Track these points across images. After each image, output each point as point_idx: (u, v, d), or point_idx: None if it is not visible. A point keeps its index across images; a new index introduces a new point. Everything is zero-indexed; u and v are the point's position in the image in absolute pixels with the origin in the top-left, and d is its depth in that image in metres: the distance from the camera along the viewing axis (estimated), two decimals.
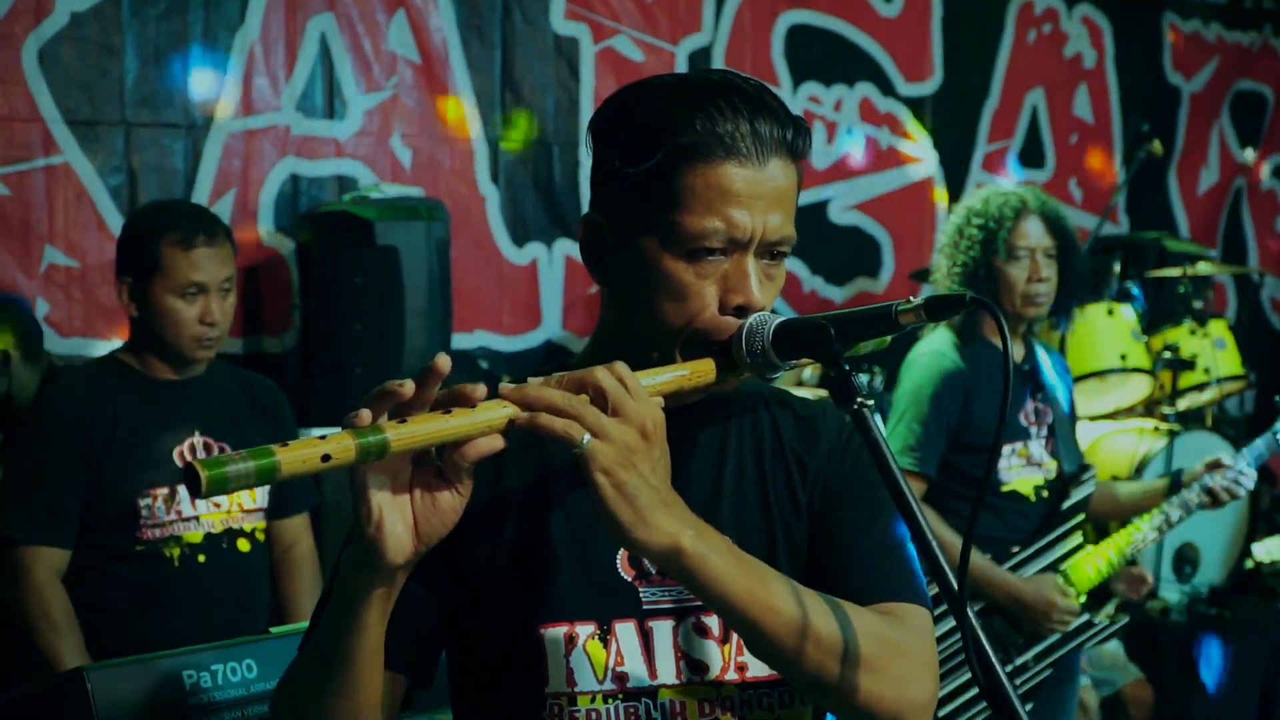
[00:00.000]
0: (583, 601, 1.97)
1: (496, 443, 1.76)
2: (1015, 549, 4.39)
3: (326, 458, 1.63)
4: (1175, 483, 4.61)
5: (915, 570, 1.98)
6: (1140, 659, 6.11)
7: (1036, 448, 4.48)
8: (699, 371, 1.91)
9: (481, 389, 1.75)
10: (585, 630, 1.97)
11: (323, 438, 1.65)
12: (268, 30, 6.08)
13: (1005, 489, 4.42)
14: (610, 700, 1.96)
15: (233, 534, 4.07)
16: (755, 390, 2.11)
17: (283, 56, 6.13)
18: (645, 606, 1.98)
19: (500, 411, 1.74)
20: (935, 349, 4.48)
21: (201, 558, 4.01)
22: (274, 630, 3.03)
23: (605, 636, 1.97)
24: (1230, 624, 6.32)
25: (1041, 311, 4.47)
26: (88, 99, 5.72)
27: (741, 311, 1.92)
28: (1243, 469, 4.56)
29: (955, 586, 1.70)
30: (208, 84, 5.98)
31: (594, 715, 1.96)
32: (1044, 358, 4.60)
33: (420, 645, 2.00)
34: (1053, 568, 4.40)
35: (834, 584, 1.93)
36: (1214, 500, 4.55)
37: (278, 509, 4.26)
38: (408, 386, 1.70)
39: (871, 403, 1.80)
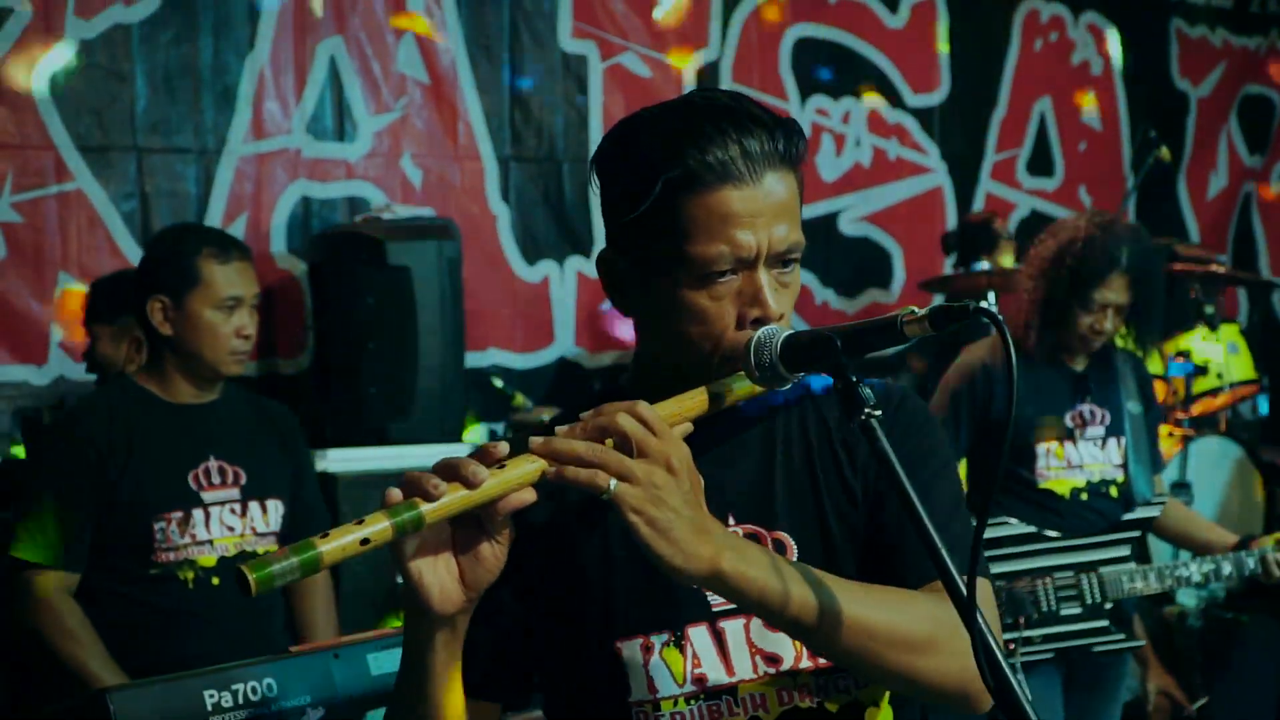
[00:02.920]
0: (654, 613, 2.02)
1: (529, 495, 1.80)
2: (1053, 535, 4.47)
3: (365, 541, 1.70)
4: (1243, 542, 4.65)
5: (967, 544, 1.97)
6: (1161, 663, 6.11)
7: (1078, 450, 4.60)
8: (695, 402, 1.95)
9: (504, 447, 1.80)
10: (660, 640, 2.01)
11: (360, 522, 1.70)
12: (277, 54, 6.12)
13: (1041, 487, 4.58)
14: (692, 701, 2.01)
15: (246, 556, 4.08)
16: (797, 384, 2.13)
17: (292, 80, 6.17)
18: (714, 609, 2.02)
19: (528, 468, 1.79)
20: (975, 347, 4.71)
21: (215, 580, 4.02)
22: (294, 649, 3.05)
23: (680, 642, 2.01)
24: (1247, 628, 6.31)
25: (1095, 347, 4.62)
26: (99, 125, 5.76)
27: (760, 324, 1.95)
28: None
29: (964, 591, 1.72)
30: (218, 109, 6.02)
31: (679, 717, 2.01)
32: (1120, 364, 4.69)
33: (508, 672, 2.07)
34: (1091, 567, 4.45)
35: (889, 566, 1.98)
36: (1267, 572, 4.60)
37: (292, 533, 4.27)
38: (432, 485, 1.75)
39: (880, 413, 1.82)
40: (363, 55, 6.31)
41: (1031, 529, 4.44)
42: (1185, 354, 6.73)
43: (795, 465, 2.08)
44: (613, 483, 1.76)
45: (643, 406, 1.82)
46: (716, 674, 2.01)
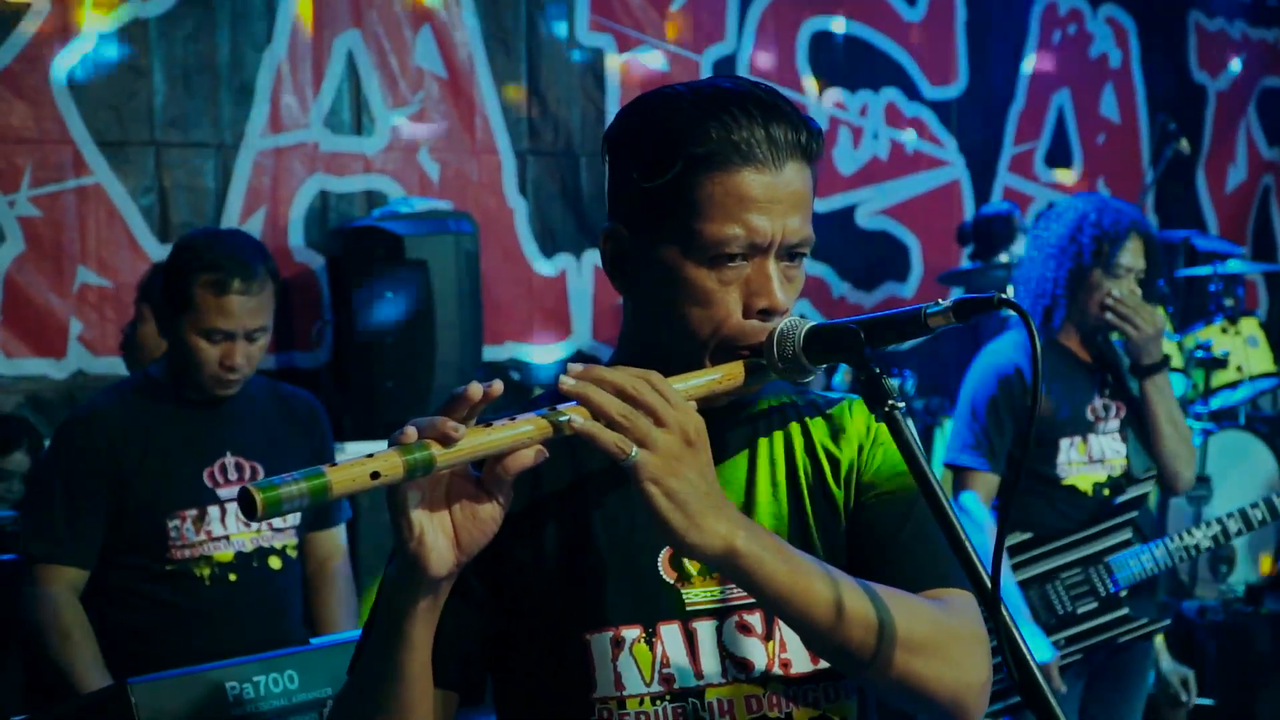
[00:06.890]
0: (627, 605, 1.98)
1: (540, 454, 1.77)
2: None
3: (375, 475, 1.65)
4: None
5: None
6: (1177, 656, 6.09)
7: (1099, 443, 4.52)
8: (728, 375, 1.93)
9: (498, 385, 1.76)
10: (631, 634, 1.97)
11: (370, 455, 1.67)
12: (295, 48, 6.12)
13: (1064, 484, 4.48)
14: (658, 702, 1.96)
15: (263, 552, 4.06)
16: (779, 389, 2.11)
17: (310, 74, 6.17)
18: (688, 608, 1.99)
19: (538, 424, 1.76)
20: (996, 348, 4.57)
21: (232, 576, 4.00)
22: (315, 641, 3.05)
23: (650, 639, 1.97)
24: (1266, 621, 6.30)
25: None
26: (117, 120, 5.77)
27: (766, 315, 1.93)
28: None
29: (989, 583, 1.71)
30: (236, 103, 6.02)
31: (643, 717, 1.96)
32: (1113, 354, 4.65)
33: (468, 660, 2.00)
34: (1096, 559, 4.42)
35: (878, 576, 1.93)
36: (1274, 514, 4.58)
37: (313, 522, 4.25)
38: (451, 427, 1.71)
39: (903, 405, 1.81)
40: (380, 49, 6.31)
41: (1027, 535, 4.40)
42: (1205, 347, 6.71)
43: (779, 471, 2.06)
44: (635, 450, 1.74)
45: (656, 376, 1.80)
46: (685, 675, 1.97)
